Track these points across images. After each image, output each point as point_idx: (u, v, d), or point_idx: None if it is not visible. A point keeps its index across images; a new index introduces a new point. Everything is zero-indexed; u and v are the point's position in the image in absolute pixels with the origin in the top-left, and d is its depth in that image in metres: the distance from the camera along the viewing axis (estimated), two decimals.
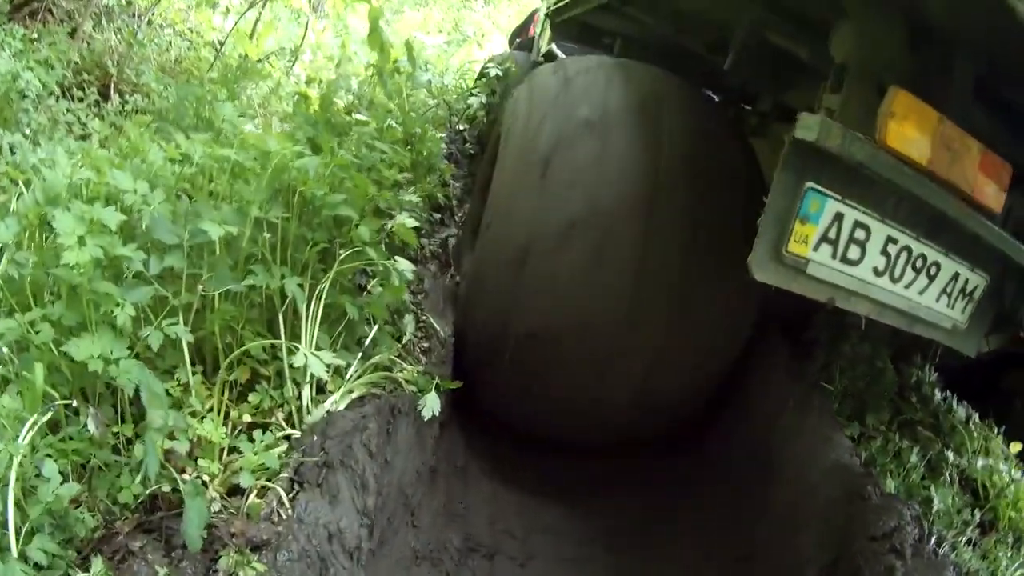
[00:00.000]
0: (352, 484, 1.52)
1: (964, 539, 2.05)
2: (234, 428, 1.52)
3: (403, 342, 1.90)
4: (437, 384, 1.77)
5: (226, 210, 1.61)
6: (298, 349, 1.54)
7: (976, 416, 2.58)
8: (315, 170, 1.62)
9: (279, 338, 1.59)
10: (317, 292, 1.64)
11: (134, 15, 4.66)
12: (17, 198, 1.96)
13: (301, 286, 1.57)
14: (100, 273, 1.40)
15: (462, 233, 2.66)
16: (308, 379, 1.60)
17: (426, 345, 1.98)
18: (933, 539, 1.75)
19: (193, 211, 1.66)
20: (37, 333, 1.29)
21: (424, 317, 2.03)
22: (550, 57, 3.88)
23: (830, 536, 1.76)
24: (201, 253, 1.59)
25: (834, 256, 1.51)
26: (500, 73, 3.86)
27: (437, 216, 2.58)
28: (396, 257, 1.68)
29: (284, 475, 1.44)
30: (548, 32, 3.82)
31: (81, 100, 3.78)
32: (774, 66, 2.40)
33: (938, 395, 2.57)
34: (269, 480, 1.40)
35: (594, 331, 1.95)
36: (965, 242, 1.69)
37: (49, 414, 1.23)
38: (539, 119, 2.08)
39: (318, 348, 1.65)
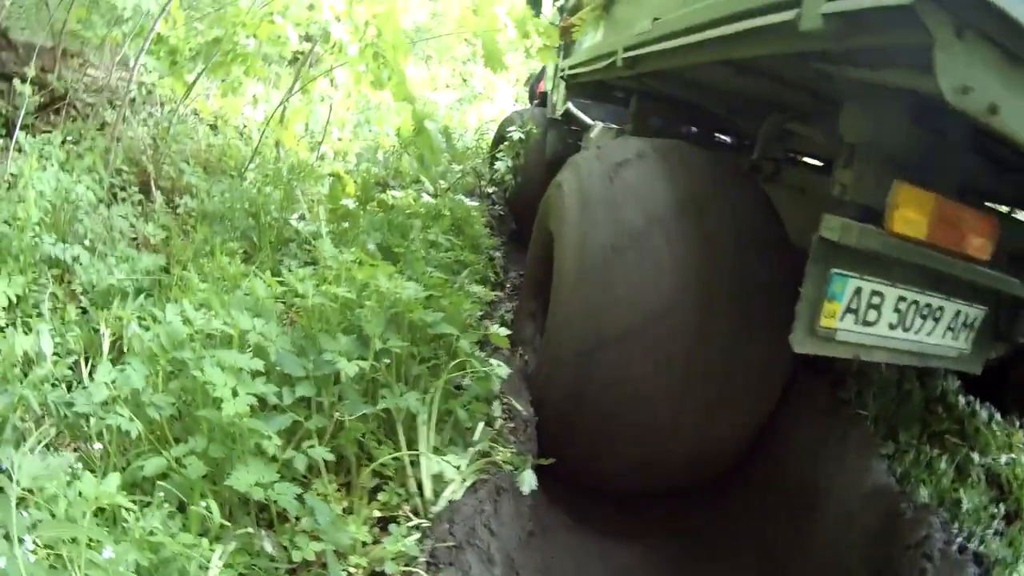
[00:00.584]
0: (480, 559, 1.82)
1: (991, 531, 2.34)
2: (369, 525, 1.82)
3: (495, 427, 2.19)
4: (531, 462, 2.07)
5: (343, 340, 1.91)
6: (419, 453, 1.85)
7: (998, 415, 2.87)
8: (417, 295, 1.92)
9: (398, 444, 1.90)
10: (427, 401, 1.94)
11: (157, 103, 4.91)
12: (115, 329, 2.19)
13: (418, 399, 1.87)
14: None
15: (519, 308, 2.94)
16: (429, 477, 1.90)
17: (512, 426, 2.27)
18: (959, 540, 2.04)
19: (310, 341, 1.97)
20: (184, 468, 1.48)
21: (507, 400, 2.33)
22: (567, 115, 4.15)
23: (872, 553, 2.05)
24: (325, 380, 1.89)
25: (856, 322, 1.82)
26: (523, 136, 4.12)
27: (494, 295, 2.86)
28: (492, 360, 1.98)
29: (422, 559, 1.73)
30: (563, 91, 4.09)
31: (125, 201, 3.94)
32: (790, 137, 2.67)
33: (962, 401, 2.86)
34: (407, 565, 1.67)
35: (654, 408, 2.26)
36: (963, 286, 1.99)
37: (233, 544, 1.47)
38: (590, 224, 2.33)
39: (435, 450, 1.95)
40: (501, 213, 4.01)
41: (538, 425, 2.41)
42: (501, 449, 2.14)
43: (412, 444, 1.94)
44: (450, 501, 1.88)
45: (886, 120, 1.86)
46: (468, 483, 1.96)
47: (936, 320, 1.97)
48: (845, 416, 2.56)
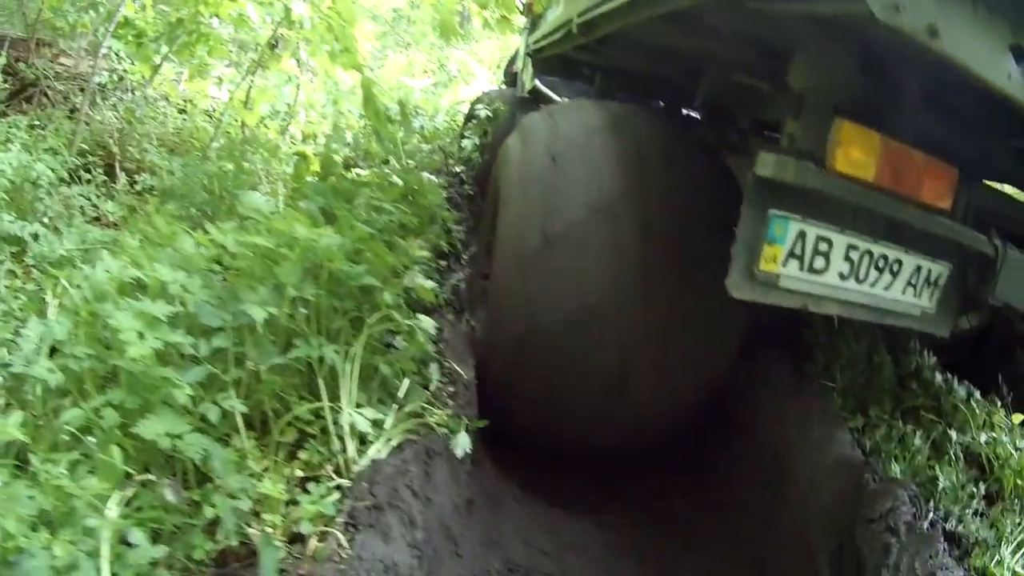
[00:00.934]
0: (401, 522, 1.70)
1: (971, 511, 2.20)
2: (288, 483, 1.71)
3: (431, 389, 2.08)
4: (466, 425, 1.95)
5: (263, 291, 1.81)
6: (340, 409, 1.74)
7: (977, 393, 2.73)
8: (338, 247, 1.82)
9: (321, 400, 1.79)
10: (351, 355, 1.83)
11: (128, 90, 4.89)
12: (56, 293, 2.18)
13: (337, 352, 1.76)
14: (156, 360, 1.59)
15: (471, 278, 2.85)
16: (352, 434, 1.78)
17: (452, 390, 2.16)
18: (930, 515, 1.90)
19: (231, 294, 1.87)
20: (102, 418, 1.45)
21: (448, 364, 2.22)
22: (535, 92, 4.09)
23: (835, 525, 1.92)
24: (243, 332, 1.79)
25: (802, 268, 1.70)
26: (490, 114, 4.05)
27: (444, 263, 2.76)
28: (418, 315, 1.87)
29: (340, 520, 1.62)
30: (530, 69, 4.04)
31: (89, 182, 3.98)
32: (744, 92, 2.58)
33: (938, 378, 2.72)
34: (326, 526, 1.57)
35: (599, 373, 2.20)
36: (923, 238, 1.87)
37: (131, 490, 1.41)
38: (533, 199, 2.27)
39: (358, 405, 1.85)
40: (470, 192, 3.91)
41: (484, 391, 2.32)
42: (437, 412, 2.03)
43: (335, 400, 1.83)
44: (373, 460, 1.76)
45: (833, 67, 1.76)
46: (395, 442, 1.84)
47: (894, 274, 1.85)
48: (810, 389, 2.43)
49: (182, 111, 5.15)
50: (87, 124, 4.60)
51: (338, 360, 1.74)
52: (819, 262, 1.71)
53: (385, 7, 6.58)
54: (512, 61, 5.25)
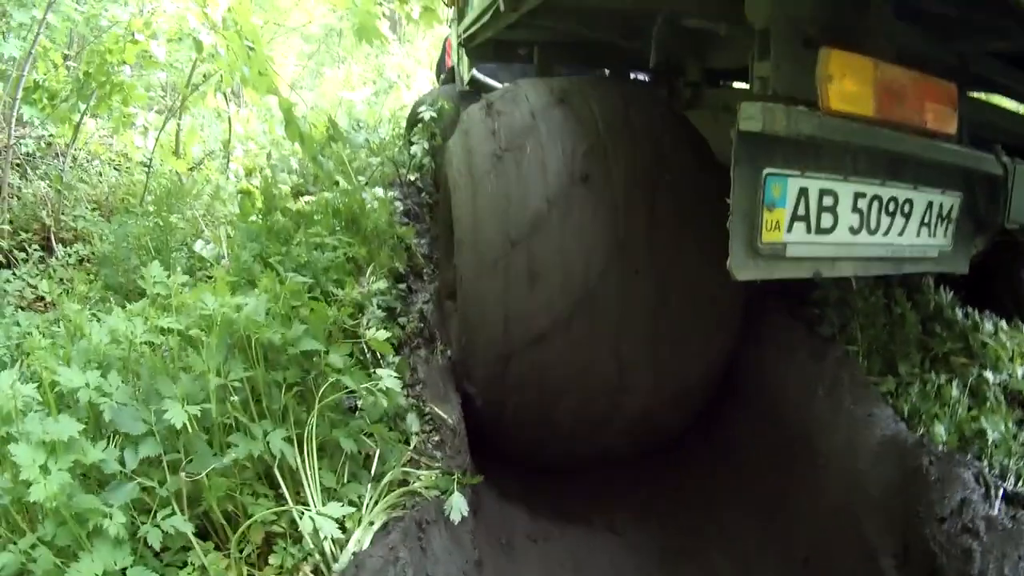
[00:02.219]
0: None
1: None
2: None
3: (412, 445, 1.81)
4: (458, 481, 1.69)
5: (185, 381, 1.53)
6: (303, 500, 1.47)
7: (1003, 323, 2.50)
8: (264, 311, 1.54)
9: (281, 492, 1.51)
10: (306, 436, 1.55)
11: (57, 155, 4.57)
12: None
13: (287, 438, 1.49)
14: (80, 483, 1.33)
15: (439, 294, 2.57)
16: (319, 529, 1.51)
17: (437, 439, 1.89)
18: (996, 483, 1.65)
19: (153, 389, 1.58)
20: (35, 561, 1.25)
21: (428, 408, 1.95)
22: (475, 83, 3.81)
23: (894, 521, 1.66)
24: (173, 434, 1.51)
25: (809, 230, 1.44)
26: (435, 115, 3.76)
27: (404, 286, 2.49)
28: (376, 371, 1.59)
29: None
30: (466, 60, 3.75)
31: (25, 261, 3.70)
32: (696, 41, 2.32)
33: (960, 315, 2.49)
34: None
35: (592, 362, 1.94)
36: (930, 170, 1.63)
37: None
38: (487, 210, 1.99)
39: (324, 488, 1.58)
40: (430, 201, 3.63)
41: (471, 415, 2.08)
42: (423, 473, 1.76)
43: (299, 489, 1.56)
44: (355, 554, 1.49)
45: None
46: (378, 524, 1.57)
47: (906, 216, 1.60)
48: (832, 357, 2.16)
49: (117, 168, 4.84)
50: (18, 198, 4.28)
51: (289, 450, 1.46)
52: (827, 219, 1.45)
53: (313, 25, 6.27)
54: (442, 58, 4.96)
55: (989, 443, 1.97)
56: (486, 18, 2.82)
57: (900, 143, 1.45)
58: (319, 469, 1.59)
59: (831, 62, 1.33)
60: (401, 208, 3.41)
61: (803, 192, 1.41)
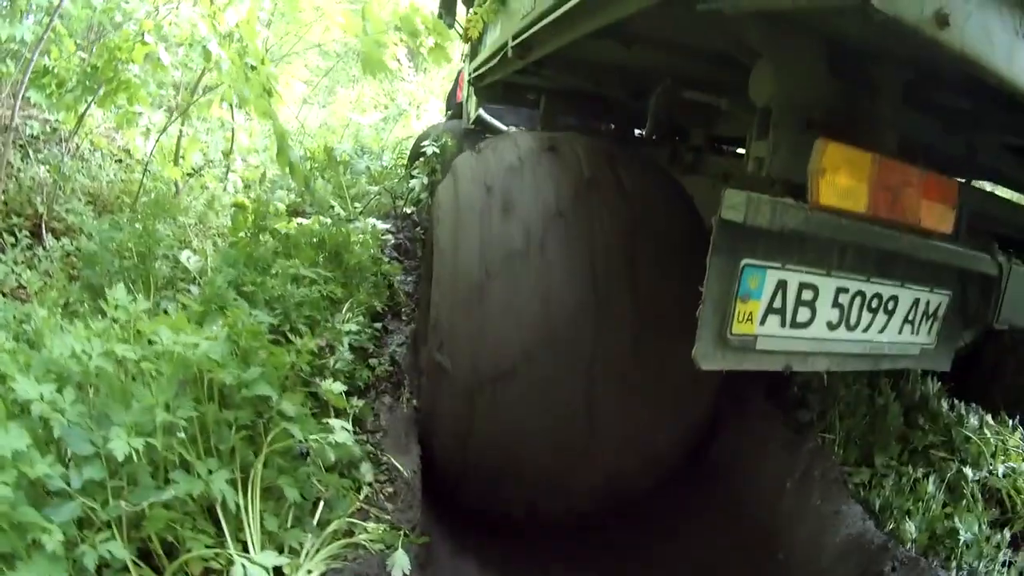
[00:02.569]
0: None
1: (998, 565, 1.91)
2: None
3: (363, 495, 1.75)
4: (404, 536, 1.62)
5: (136, 410, 1.47)
6: (243, 541, 1.41)
7: (988, 417, 2.45)
8: (222, 350, 1.49)
9: (222, 528, 1.45)
10: (252, 479, 1.50)
11: (60, 141, 4.55)
12: None
13: (231, 480, 1.43)
14: (23, 495, 1.28)
15: (414, 339, 2.53)
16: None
17: (391, 490, 1.83)
18: None
19: (104, 412, 1.53)
20: None
21: (385, 458, 1.89)
22: (480, 122, 3.81)
23: None
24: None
25: (783, 324, 1.39)
26: (437, 150, 3.75)
27: (380, 327, 2.44)
28: (328, 421, 1.54)
29: None
30: (474, 98, 3.76)
31: (14, 246, 3.62)
32: (702, 107, 2.31)
33: (944, 406, 2.44)
34: None
35: (552, 445, 1.90)
36: (921, 268, 1.59)
37: None
38: (468, 242, 1.97)
39: (266, 531, 1.51)
40: (422, 236, 3.59)
41: (432, 458, 2.03)
42: (370, 525, 1.69)
43: (241, 530, 1.49)
44: None
45: (802, 74, 1.50)
46: (316, 575, 1.50)
47: (890, 313, 1.55)
48: (806, 447, 2.11)
49: (119, 160, 4.81)
50: (15, 180, 4.24)
51: (228, 492, 1.40)
52: (803, 314, 1.40)
53: (335, 43, 6.33)
54: (454, 90, 4.97)
55: (960, 543, 1.92)
56: (495, 61, 2.83)
57: (891, 241, 1.41)
58: (263, 512, 1.54)
59: (826, 155, 1.30)
60: (392, 241, 3.37)
61: (781, 285, 1.37)
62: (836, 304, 1.45)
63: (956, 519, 2.00)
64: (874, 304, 1.52)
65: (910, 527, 1.92)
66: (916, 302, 1.62)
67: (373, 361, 2.24)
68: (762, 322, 1.34)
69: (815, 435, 2.10)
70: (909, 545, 1.84)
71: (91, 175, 4.58)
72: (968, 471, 2.20)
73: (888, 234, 1.41)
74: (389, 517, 1.74)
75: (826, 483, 1.91)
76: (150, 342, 1.53)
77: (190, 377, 1.49)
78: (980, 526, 2.00)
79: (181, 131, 3.88)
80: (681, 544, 2.15)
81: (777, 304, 1.36)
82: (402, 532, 1.66)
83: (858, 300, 1.49)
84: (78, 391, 1.63)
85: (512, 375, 1.83)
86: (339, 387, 1.66)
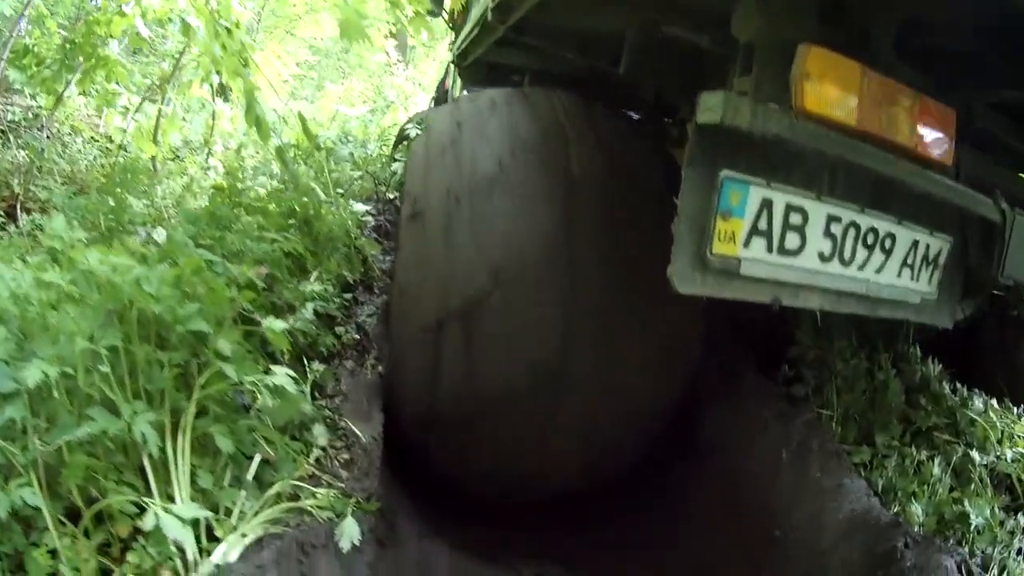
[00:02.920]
0: None
1: (1014, 552, 1.75)
2: None
3: (313, 457, 1.59)
4: (355, 505, 1.47)
5: (64, 344, 1.33)
6: (171, 497, 1.26)
7: (993, 402, 2.29)
8: (159, 282, 1.35)
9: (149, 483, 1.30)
10: (183, 426, 1.35)
11: (42, 127, 4.49)
12: None
13: (159, 425, 1.28)
14: None
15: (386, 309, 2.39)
16: (184, 532, 1.29)
17: (347, 456, 1.67)
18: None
19: (31, 349, 1.40)
20: None
21: (343, 423, 1.74)
22: None
23: None
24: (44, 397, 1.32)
25: (770, 249, 1.27)
26: (420, 132, 3.64)
27: (350, 296, 2.29)
28: (272, 367, 1.39)
29: None
30: (458, 80, 3.68)
31: None
32: (679, 65, 2.20)
33: (947, 388, 2.29)
34: None
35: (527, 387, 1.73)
36: (919, 205, 1.46)
37: None
38: (437, 175, 1.89)
39: (199, 489, 1.36)
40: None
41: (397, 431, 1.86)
42: (320, 491, 1.53)
43: (170, 485, 1.34)
44: (216, 566, 1.26)
45: (787, 9, 1.37)
46: (251, 538, 1.35)
47: (886, 251, 1.42)
48: (801, 419, 1.95)
49: (99, 148, 4.72)
50: None
51: (151, 434, 1.24)
52: (792, 240, 1.28)
53: (322, 39, 6.31)
54: (443, 80, 4.91)
55: (971, 528, 1.78)
56: (477, 31, 2.74)
57: (885, 164, 1.29)
58: (196, 467, 1.38)
59: (809, 59, 1.19)
60: (373, 223, 3.24)
61: (767, 204, 1.24)
62: (828, 234, 1.33)
63: (966, 503, 1.85)
64: (869, 240, 1.40)
65: (917, 510, 1.77)
66: (915, 244, 1.49)
67: (340, 329, 2.09)
68: (746, 244, 1.22)
69: (811, 409, 1.94)
70: (918, 528, 1.68)
71: (71, 159, 4.50)
72: (975, 455, 2.05)
73: (881, 155, 1.29)
74: (343, 485, 1.58)
75: (825, 455, 1.75)
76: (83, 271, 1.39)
77: (119, 307, 1.35)
78: (992, 511, 1.85)
79: (160, 110, 3.79)
80: (669, 523, 1.99)
81: (763, 226, 1.24)
82: (352, 499, 1.51)
83: (852, 233, 1.36)
84: (6, 327, 1.50)
85: (483, 303, 1.71)
86: (280, 324, 1.51)
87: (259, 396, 1.42)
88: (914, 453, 1.98)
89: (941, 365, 2.41)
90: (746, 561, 1.74)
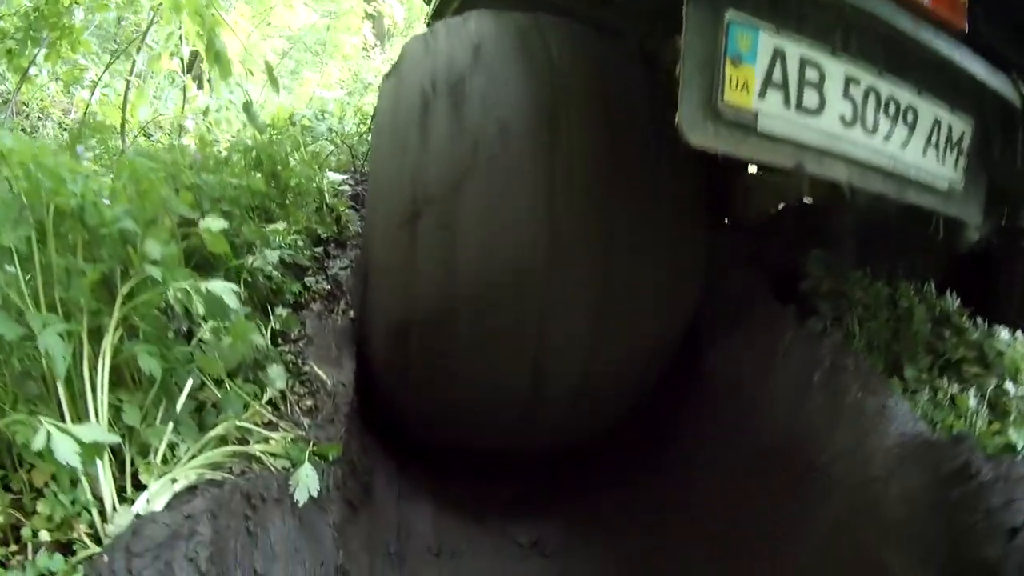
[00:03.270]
0: None
1: None
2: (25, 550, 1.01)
3: (265, 400, 1.39)
4: (311, 453, 1.26)
5: None
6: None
7: (1020, 334, 2.11)
8: (84, 181, 1.16)
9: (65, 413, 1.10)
10: (104, 345, 1.14)
11: (9, 109, 4.31)
12: None
13: (71, 335, 1.08)
14: None
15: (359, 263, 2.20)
16: (108, 471, 1.09)
17: (310, 403, 1.48)
18: None
19: None
20: None
21: (307, 368, 1.55)
22: None
23: (930, 546, 1.19)
24: None
25: (787, 104, 1.09)
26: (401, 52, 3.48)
27: (321, 250, 2.11)
28: (216, 283, 1.18)
29: None
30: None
31: None
32: None
33: (967, 322, 2.10)
34: None
35: (512, 294, 1.55)
36: (936, 76, 1.30)
37: None
38: (409, 88, 1.70)
39: (122, 425, 1.16)
40: None
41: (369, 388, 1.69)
42: (275, 436, 1.33)
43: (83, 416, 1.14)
44: (138, 515, 1.06)
45: None
46: (181, 485, 1.14)
47: (910, 126, 1.26)
48: (829, 342, 1.75)
49: (66, 129, 4.54)
50: None
51: (58, 346, 1.04)
52: (811, 97, 1.10)
53: (299, 28, 6.18)
54: None
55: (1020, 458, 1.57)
56: None
57: (895, 17, 1.12)
58: (120, 399, 1.18)
59: None
60: (350, 192, 3.09)
61: (779, 54, 1.06)
62: (847, 96, 1.16)
63: (1011, 433, 1.66)
64: (891, 109, 1.23)
65: None
66: (937, 122, 1.33)
67: (310, 280, 1.91)
68: (761, 94, 1.03)
69: (839, 331, 1.75)
70: None
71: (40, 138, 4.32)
72: (1009, 386, 1.86)
73: (891, 6, 1.12)
74: (303, 433, 1.38)
75: (864, 374, 1.53)
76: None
77: (35, 204, 1.15)
78: None
79: (128, 81, 3.62)
80: (678, 476, 1.78)
81: (777, 77, 1.06)
82: (309, 448, 1.30)
83: (872, 98, 1.20)
84: None
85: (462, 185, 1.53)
86: (219, 224, 1.30)
87: (192, 306, 1.21)
88: (945, 386, 1.80)
89: (959, 300, 2.23)
90: (775, 502, 1.53)
